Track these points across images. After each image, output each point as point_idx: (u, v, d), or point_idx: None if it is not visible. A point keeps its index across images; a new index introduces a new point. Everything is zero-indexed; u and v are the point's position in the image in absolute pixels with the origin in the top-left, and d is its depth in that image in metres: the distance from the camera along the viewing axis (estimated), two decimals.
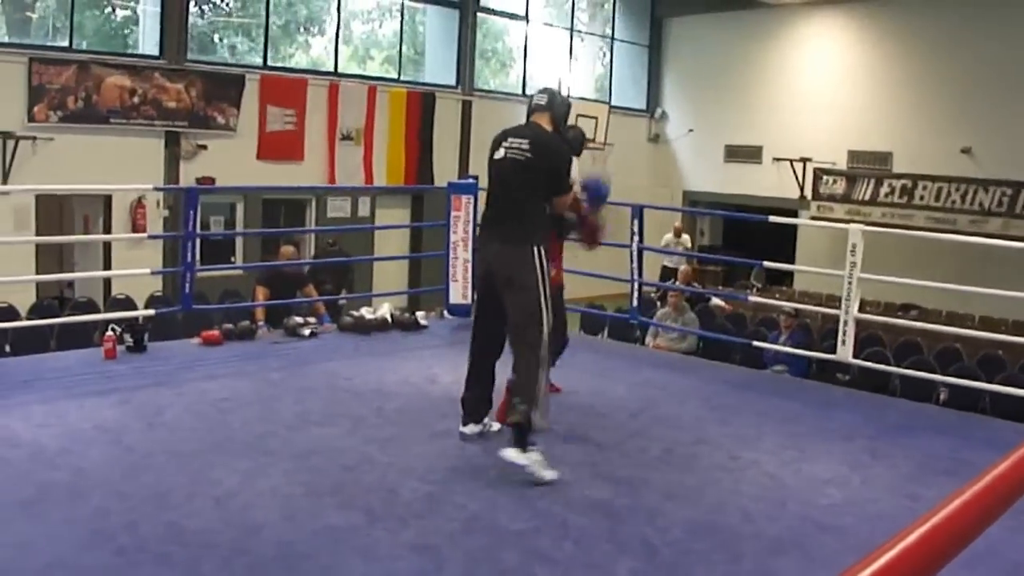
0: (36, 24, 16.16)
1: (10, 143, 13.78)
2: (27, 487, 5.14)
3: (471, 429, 6.28)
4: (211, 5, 18.17)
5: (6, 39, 15.28)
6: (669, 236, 18.83)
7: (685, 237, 19.65)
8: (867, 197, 19.71)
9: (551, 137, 6.15)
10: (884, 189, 19.56)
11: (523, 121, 6.32)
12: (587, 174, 7.16)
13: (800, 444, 6.55)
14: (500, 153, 6.08)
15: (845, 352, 8.23)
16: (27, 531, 4.58)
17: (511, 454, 5.50)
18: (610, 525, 5.01)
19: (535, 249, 5.88)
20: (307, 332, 9.25)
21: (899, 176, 19.42)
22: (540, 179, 6.00)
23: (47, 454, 5.70)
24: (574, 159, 6.52)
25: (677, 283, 14.82)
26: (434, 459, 5.87)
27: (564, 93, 6.11)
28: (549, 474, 5.52)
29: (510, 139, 6.07)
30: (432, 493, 5.30)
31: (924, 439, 6.92)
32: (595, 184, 6.93)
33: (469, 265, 10.27)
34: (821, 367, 10.55)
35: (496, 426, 6.31)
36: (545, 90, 6.40)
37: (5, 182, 13.62)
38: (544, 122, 6.18)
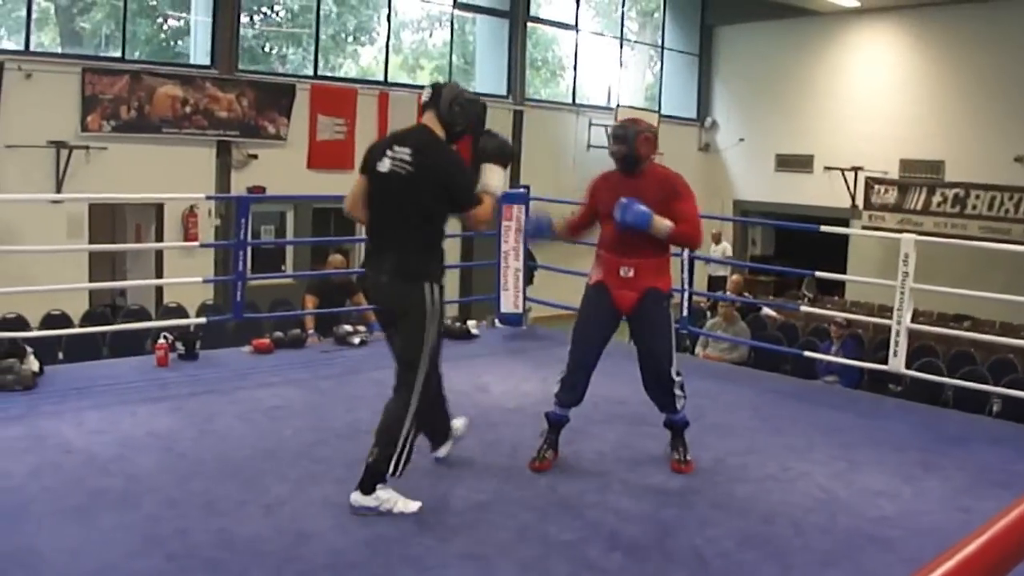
0: (89, 35, 16.34)
1: (64, 152, 13.94)
2: (79, 493, 5.19)
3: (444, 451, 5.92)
4: (262, 15, 18.28)
5: (60, 50, 15.47)
6: (711, 244, 18.76)
7: (724, 244, 19.53)
8: (919, 207, 19.49)
9: (436, 142, 5.30)
10: (936, 198, 19.33)
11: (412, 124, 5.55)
12: (533, 214, 6.63)
13: (851, 455, 6.48)
14: (385, 165, 5.21)
15: (897, 363, 8.15)
16: (79, 536, 4.63)
17: (356, 498, 5.03)
18: (660, 535, 4.99)
19: (429, 286, 5.16)
20: (357, 340, 9.27)
21: (952, 185, 19.19)
22: (430, 197, 5.16)
23: (99, 461, 5.75)
24: (492, 167, 5.47)
25: (729, 293, 14.74)
26: (484, 468, 5.86)
27: (460, 86, 5.66)
28: (411, 506, 5.07)
29: (395, 147, 5.24)
30: (482, 502, 5.30)
31: (977, 451, 6.83)
32: (532, 228, 6.64)
33: (520, 274, 10.27)
34: (873, 378, 10.45)
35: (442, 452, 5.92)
36: (433, 85, 5.48)
37: (59, 191, 13.76)
38: (431, 123, 5.32)
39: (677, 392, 5.97)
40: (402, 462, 5.06)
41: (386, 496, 5.04)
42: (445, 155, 5.29)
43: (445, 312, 5.33)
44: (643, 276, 5.82)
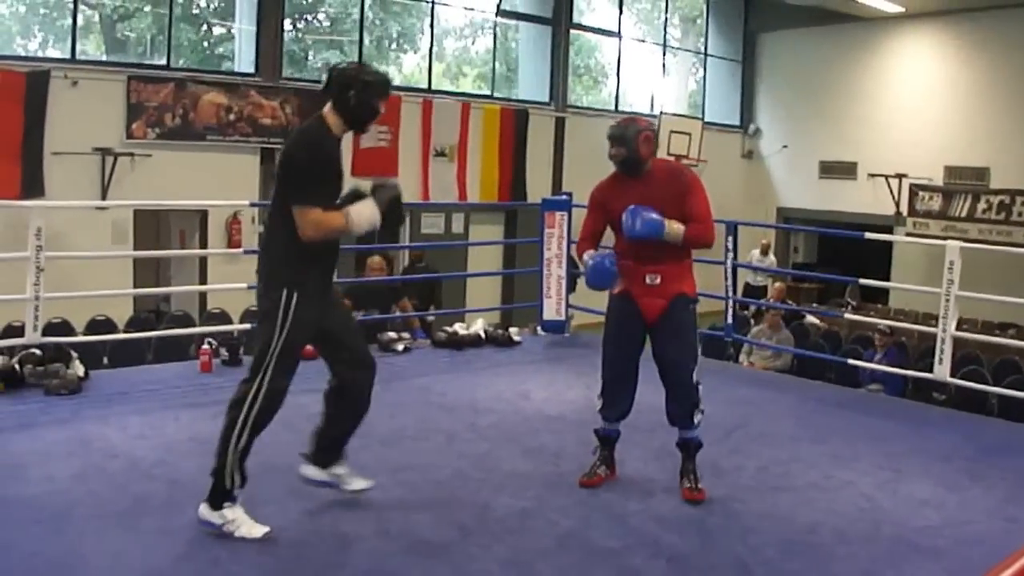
0: (133, 43, 16.47)
1: (109, 159, 14.06)
2: (124, 498, 5.22)
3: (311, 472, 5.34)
4: (305, 23, 18.37)
5: (105, 58, 15.61)
6: (756, 252, 18.65)
7: (772, 256, 19.45)
8: (964, 214, 19.30)
9: (304, 127, 4.96)
10: (981, 205, 19.13)
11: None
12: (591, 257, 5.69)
13: (896, 464, 6.42)
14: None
15: (942, 371, 8.08)
16: (123, 541, 4.66)
17: (202, 509, 4.76)
18: (703, 543, 4.97)
19: (283, 292, 4.77)
20: (401, 347, 9.27)
21: (997, 192, 19.00)
22: (281, 191, 4.78)
23: (143, 465, 5.79)
24: (370, 204, 4.88)
25: (771, 300, 14.67)
26: (527, 475, 5.85)
27: (354, 66, 4.93)
28: (255, 531, 4.75)
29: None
30: (525, 509, 5.28)
31: (1023, 460, 6.74)
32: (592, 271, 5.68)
33: (563, 281, 10.25)
34: (917, 386, 10.38)
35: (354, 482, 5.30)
36: (329, 69, 4.92)
37: (104, 197, 13.88)
38: (327, 112, 4.81)
39: (697, 402, 5.65)
40: (229, 476, 4.75)
41: (231, 516, 4.73)
42: (298, 151, 4.79)
43: (303, 322, 4.85)
44: (670, 282, 5.59)
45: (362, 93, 4.76)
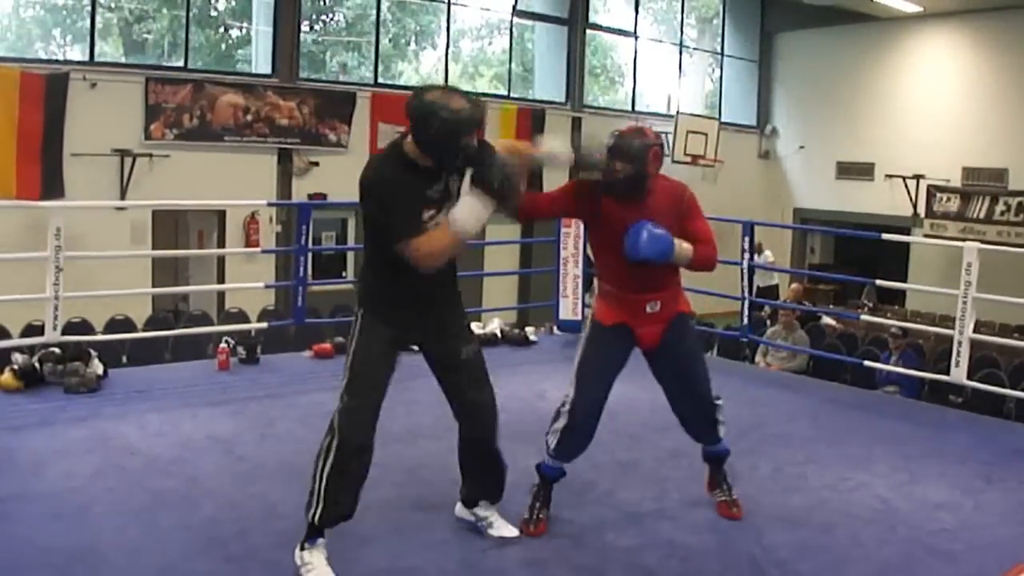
0: (152, 45, 16.54)
1: (128, 160, 14.16)
2: (141, 494, 5.27)
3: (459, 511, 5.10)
4: (321, 23, 18.43)
5: (123, 59, 15.68)
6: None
7: (767, 253, 19.39)
8: (982, 215, 19.24)
9: (374, 161, 4.46)
10: (1000, 207, 19.07)
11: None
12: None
13: (911, 467, 6.42)
14: None
15: (959, 373, 8.04)
16: (141, 537, 4.71)
17: (296, 551, 4.44)
18: (717, 544, 4.99)
19: (360, 313, 4.57)
20: (416, 347, 9.26)
21: (1015, 193, 18.93)
22: (368, 220, 4.46)
23: (161, 462, 5.83)
24: (474, 200, 4.34)
25: (788, 301, 14.66)
26: None
27: (440, 92, 4.32)
28: None
29: None
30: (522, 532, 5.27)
31: None
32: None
33: (580, 281, 10.26)
34: (934, 388, 10.36)
35: (497, 527, 4.97)
36: (415, 89, 4.36)
37: (123, 198, 13.98)
38: (408, 142, 4.35)
39: (720, 418, 5.30)
40: (318, 508, 4.37)
41: (309, 560, 4.39)
42: (364, 175, 4.37)
43: (370, 346, 4.53)
44: (669, 303, 5.06)
45: (442, 128, 4.19)
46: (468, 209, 4.33)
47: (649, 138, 4.90)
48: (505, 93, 19.57)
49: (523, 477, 5.76)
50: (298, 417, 6.95)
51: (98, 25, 14.86)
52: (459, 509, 5.02)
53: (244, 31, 17.40)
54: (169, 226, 15.37)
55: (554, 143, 4.66)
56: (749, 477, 6.03)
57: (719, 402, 5.29)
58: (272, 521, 4.97)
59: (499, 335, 9.87)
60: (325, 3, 18.91)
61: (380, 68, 17.69)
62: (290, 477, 5.62)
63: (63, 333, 7.83)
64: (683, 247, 4.83)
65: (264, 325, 10.01)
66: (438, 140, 4.20)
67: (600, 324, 5.12)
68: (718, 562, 4.78)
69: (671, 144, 19.79)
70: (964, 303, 7.91)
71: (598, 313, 5.15)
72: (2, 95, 13.04)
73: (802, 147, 23.04)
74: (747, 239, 9.59)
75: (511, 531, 4.91)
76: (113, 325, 10.91)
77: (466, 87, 19.02)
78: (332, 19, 19.02)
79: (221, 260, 15.33)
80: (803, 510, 5.52)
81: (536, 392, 7.91)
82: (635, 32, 21.48)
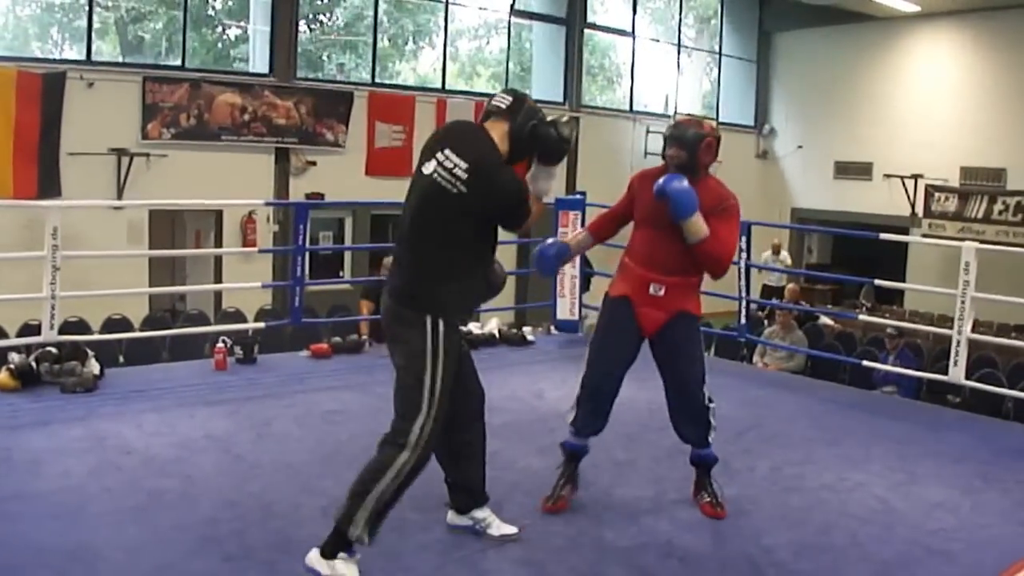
0: (149, 44, 16.53)
1: (125, 160, 14.15)
2: (138, 494, 5.27)
3: (453, 519, 5.01)
4: (319, 23, 18.42)
5: (120, 59, 15.67)
6: (767, 254, 18.57)
7: (784, 254, 19.38)
8: (980, 215, 19.23)
9: (497, 165, 4.40)
10: (998, 207, 19.05)
11: (477, 121, 4.64)
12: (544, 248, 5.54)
13: (910, 466, 6.42)
14: (430, 167, 4.39)
15: (957, 373, 8.02)
16: (138, 536, 4.70)
17: (312, 556, 4.23)
18: (715, 543, 4.99)
19: (432, 320, 4.32)
20: None
21: (1014, 193, 18.91)
22: (473, 222, 4.36)
23: (158, 462, 5.83)
24: (545, 169, 4.61)
25: (785, 301, 14.65)
26: (540, 474, 5.84)
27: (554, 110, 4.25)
28: None
29: (448, 152, 4.37)
30: (538, 508, 5.29)
31: None
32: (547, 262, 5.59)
33: (577, 281, 10.26)
34: (932, 388, 10.34)
35: (496, 527, 4.92)
36: (511, 91, 4.61)
37: (120, 197, 13.96)
38: (498, 135, 4.46)
39: (711, 422, 5.34)
40: (368, 527, 4.21)
41: (343, 571, 4.21)
42: (506, 183, 4.37)
43: (455, 354, 4.42)
44: (674, 297, 5.17)
45: (534, 137, 4.51)
46: (548, 177, 4.59)
47: (704, 130, 5.25)
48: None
49: (523, 477, 5.78)
50: (295, 417, 6.95)
51: (95, 24, 14.85)
52: (452, 517, 4.95)
53: (241, 30, 17.39)
54: (166, 226, 15.35)
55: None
56: (747, 477, 6.04)
57: (712, 405, 5.31)
58: (269, 520, 4.97)
59: (497, 335, 9.87)
60: (322, 2, 18.91)
61: (377, 68, 17.68)
62: (287, 476, 5.64)
63: (60, 333, 7.82)
64: (701, 223, 5.01)
65: (261, 325, 9.99)
66: (533, 140, 4.51)
67: (607, 296, 5.38)
68: (716, 562, 4.78)
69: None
70: (962, 303, 7.89)
71: (609, 287, 5.39)
72: None
73: (800, 147, 23.04)
74: (744, 239, 9.57)
75: (510, 529, 4.90)
76: (110, 325, 10.88)
77: (463, 87, 19.12)
78: (329, 19, 19.01)
79: (218, 260, 15.31)
80: (801, 510, 5.52)
81: (534, 392, 7.91)
82: (633, 32, 21.46)
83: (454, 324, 4.41)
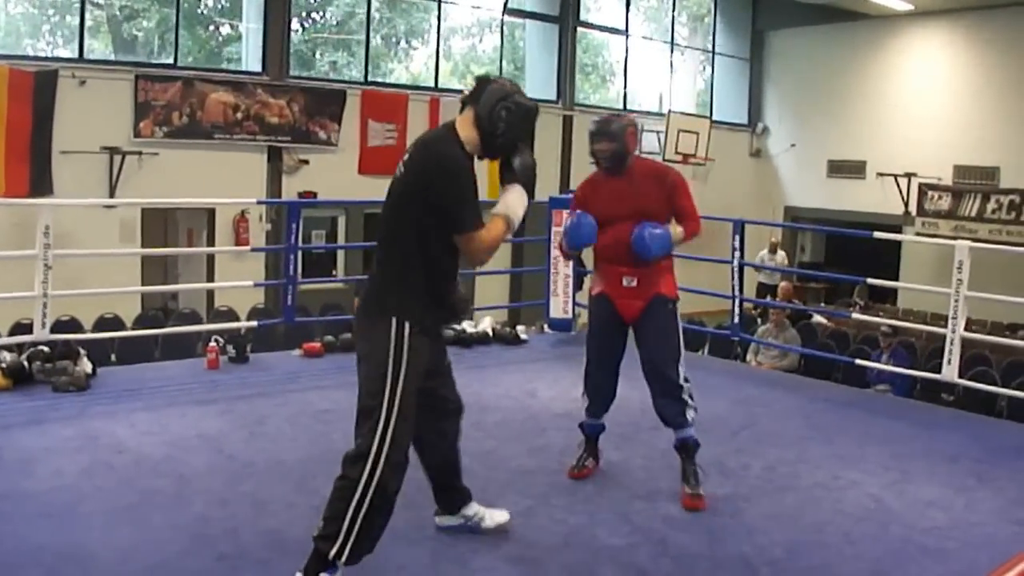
0: (141, 42, 16.50)
1: (117, 158, 14.13)
2: (131, 493, 5.26)
3: (444, 521, 4.91)
4: (312, 21, 18.40)
5: (112, 57, 15.64)
6: (764, 252, 18.58)
7: (781, 254, 19.39)
8: (973, 213, 19.24)
9: (440, 144, 4.22)
10: (991, 205, 19.06)
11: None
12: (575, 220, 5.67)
13: (903, 465, 6.41)
14: (398, 170, 4.28)
15: (950, 372, 8.04)
16: (131, 536, 4.69)
17: None
18: (709, 542, 4.97)
19: (395, 323, 4.14)
20: None
21: (1007, 192, 18.93)
22: (414, 209, 4.15)
23: (151, 461, 5.81)
24: (518, 188, 4.39)
25: (778, 300, 14.65)
26: (533, 473, 5.86)
27: (509, 83, 4.36)
28: None
29: (409, 148, 4.32)
30: (531, 507, 5.29)
31: None
32: (572, 230, 5.70)
33: (570, 280, 10.26)
34: (925, 387, 10.34)
35: (488, 518, 4.91)
36: (479, 78, 4.36)
37: (112, 196, 13.95)
38: (462, 124, 4.26)
39: (687, 399, 5.54)
40: (348, 544, 4.04)
41: None
42: (437, 158, 4.16)
43: (420, 358, 4.19)
44: (647, 284, 5.56)
45: (513, 113, 4.26)
46: (519, 199, 4.36)
47: (623, 121, 5.63)
48: None
49: (515, 476, 5.77)
50: (288, 416, 6.93)
51: (88, 22, 14.84)
52: (442, 520, 4.89)
53: (234, 29, 17.36)
54: (158, 224, 15.33)
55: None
56: (741, 476, 6.04)
57: (686, 384, 5.56)
58: (262, 519, 4.95)
59: (490, 334, 9.85)
60: (315, 1, 18.88)
61: (370, 66, 17.65)
62: (280, 476, 5.63)
63: (52, 331, 7.80)
64: (676, 231, 5.54)
65: (254, 324, 9.98)
66: (505, 124, 4.25)
67: (590, 295, 5.89)
68: (710, 561, 4.76)
69: (662, 142, 19.81)
70: (955, 301, 7.90)
71: (591, 287, 5.90)
72: None
73: (793, 145, 23.05)
74: (738, 238, 9.57)
75: (502, 515, 4.92)
76: (102, 323, 10.88)
77: (457, 85, 19.06)
78: (322, 17, 18.99)
79: (211, 258, 15.30)
80: (795, 509, 5.51)
81: (527, 391, 7.91)
82: (626, 30, 21.46)
83: (419, 330, 4.18)
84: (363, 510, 4.04)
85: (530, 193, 4.42)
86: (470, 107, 4.26)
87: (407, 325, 4.13)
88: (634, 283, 5.55)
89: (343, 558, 4.04)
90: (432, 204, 4.11)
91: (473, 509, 4.87)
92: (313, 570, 4.06)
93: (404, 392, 4.10)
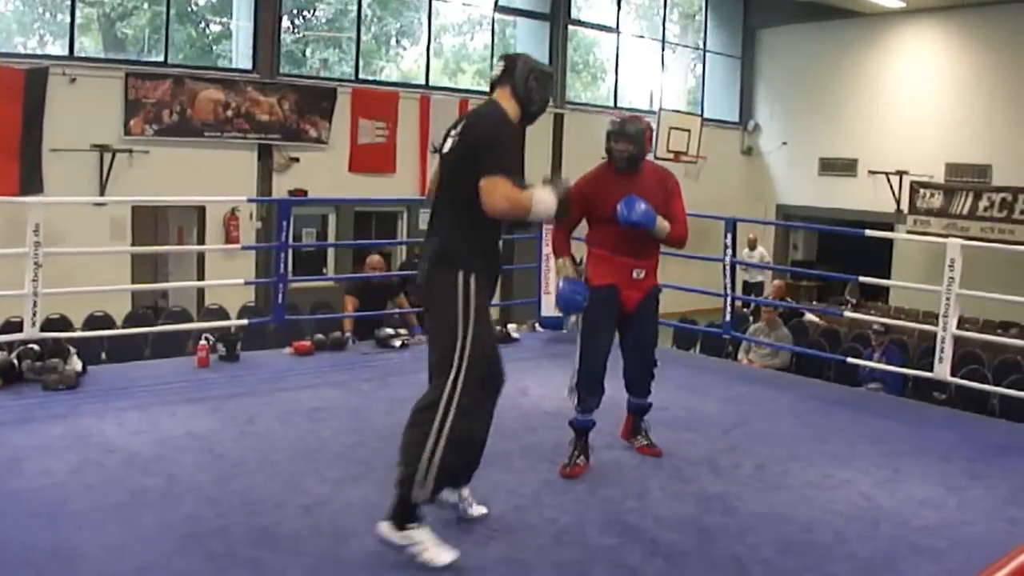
0: (131, 40, 16.47)
1: (107, 156, 14.10)
2: (121, 492, 5.23)
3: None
4: (302, 19, 18.38)
5: (103, 55, 15.60)
6: (745, 250, 18.54)
7: (760, 249, 19.38)
8: (965, 211, 19.24)
9: (491, 114, 4.70)
10: (983, 203, 19.06)
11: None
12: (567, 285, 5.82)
13: (895, 463, 6.41)
14: (447, 145, 4.70)
15: (942, 370, 8.03)
16: (120, 535, 4.66)
17: (384, 529, 4.42)
18: (700, 542, 4.95)
19: (461, 275, 4.53)
20: (398, 343, 9.28)
21: (999, 189, 18.94)
22: (471, 171, 4.46)
23: (140, 460, 5.79)
24: (549, 191, 4.62)
25: (768, 298, 14.65)
26: (524, 472, 5.84)
27: (528, 57, 4.89)
28: (442, 556, 4.38)
29: (458, 124, 4.74)
30: (522, 506, 5.28)
31: None
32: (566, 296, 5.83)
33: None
34: (917, 385, 10.35)
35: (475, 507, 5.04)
36: (505, 57, 4.90)
37: (102, 194, 13.92)
38: (503, 98, 4.77)
39: (654, 375, 6.25)
40: (427, 487, 4.35)
41: (419, 538, 4.38)
42: (490, 127, 4.60)
43: (481, 308, 4.59)
44: (649, 276, 6.03)
45: (541, 81, 4.82)
46: (548, 199, 4.59)
47: (642, 124, 6.00)
48: (487, 89, 19.46)
49: (506, 475, 5.75)
50: (278, 414, 6.92)
51: (78, 20, 14.81)
52: (447, 493, 4.82)
53: (224, 26, 17.33)
54: (149, 222, 15.29)
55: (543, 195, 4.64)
56: (732, 474, 6.03)
57: (658, 364, 6.27)
58: (252, 518, 4.93)
59: None
60: None
61: (361, 64, 17.62)
62: (270, 474, 5.61)
63: (42, 330, 7.79)
64: (662, 223, 5.82)
65: (244, 322, 9.96)
66: (537, 92, 4.78)
67: (592, 285, 5.90)
68: (701, 560, 4.74)
69: (654, 140, 19.78)
70: (947, 299, 7.89)
71: (591, 277, 5.94)
72: None
73: (785, 143, 23.05)
74: (730, 236, 9.56)
75: (481, 509, 5.05)
76: (92, 322, 10.85)
77: (448, 83, 19.07)
78: (313, 15, 18.95)
79: (201, 256, 15.28)
80: (787, 507, 5.50)
81: (518, 389, 7.87)
82: (617, 28, 21.45)
83: (483, 282, 4.61)
84: (437, 455, 4.37)
85: (558, 211, 4.69)
86: (506, 83, 4.76)
87: (473, 276, 4.54)
88: (642, 275, 5.95)
89: (423, 498, 4.38)
90: (478, 151, 4.51)
91: (467, 492, 4.98)
92: (400, 521, 4.40)
93: (476, 334, 4.53)
